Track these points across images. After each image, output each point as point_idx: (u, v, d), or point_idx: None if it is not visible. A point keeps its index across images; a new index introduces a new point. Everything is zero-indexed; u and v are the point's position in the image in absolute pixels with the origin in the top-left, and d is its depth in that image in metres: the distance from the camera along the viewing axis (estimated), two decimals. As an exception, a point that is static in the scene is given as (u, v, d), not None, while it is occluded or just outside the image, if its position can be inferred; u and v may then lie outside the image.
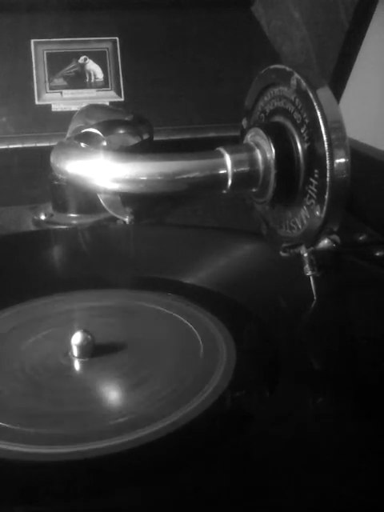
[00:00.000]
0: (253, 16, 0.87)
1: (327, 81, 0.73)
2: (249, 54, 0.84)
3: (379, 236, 0.61)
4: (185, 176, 0.44)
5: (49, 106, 0.80)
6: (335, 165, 0.41)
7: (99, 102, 0.80)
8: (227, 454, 0.33)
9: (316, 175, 0.43)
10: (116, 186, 0.45)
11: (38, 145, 0.77)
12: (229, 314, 0.47)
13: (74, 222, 0.67)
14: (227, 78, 0.82)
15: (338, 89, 0.76)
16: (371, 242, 0.58)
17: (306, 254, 0.46)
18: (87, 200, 0.66)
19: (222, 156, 0.45)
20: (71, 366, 0.41)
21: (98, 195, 0.61)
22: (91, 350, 0.42)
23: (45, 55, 0.81)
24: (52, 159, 0.50)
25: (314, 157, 0.43)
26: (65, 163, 0.48)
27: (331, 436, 0.33)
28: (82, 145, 0.52)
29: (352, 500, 0.28)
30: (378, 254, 0.55)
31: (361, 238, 0.59)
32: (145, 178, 0.44)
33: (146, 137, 0.67)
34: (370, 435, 0.33)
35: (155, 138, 0.71)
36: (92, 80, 0.82)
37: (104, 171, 0.45)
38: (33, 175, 0.72)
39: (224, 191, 0.46)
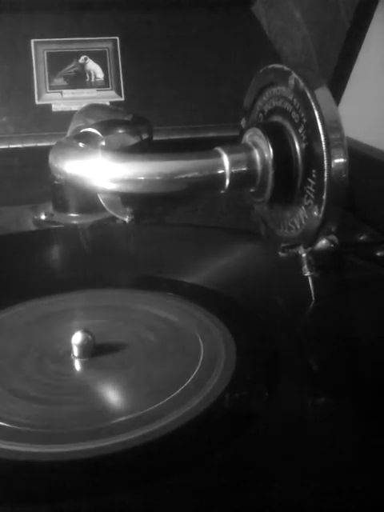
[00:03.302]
0: (253, 16, 0.87)
1: (328, 81, 0.73)
2: (249, 53, 0.83)
3: (379, 236, 0.61)
4: (183, 176, 0.44)
5: (49, 106, 0.80)
6: (333, 165, 0.41)
7: (99, 101, 0.80)
8: (227, 453, 0.33)
9: (314, 175, 0.43)
10: (114, 186, 0.45)
11: (38, 144, 0.77)
12: (228, 314, 0.47)
13: (75, 221, 0.67)
14: (227, 78, 0.82)
15: (338, 88, 0.76)
16: (372, 241, 0.58)
17: (304, 255, 0.46)
18: (87, 200, 0.66)
19: (219, 156, 0.45)
20: (71, 366, 0.41)
21: (98, 195, 0.61)
22: (91, 350, 0.42)
23: (45, 55, 0.81)
24: (50, 159, 0.50)
25: (312, 157, 0.43)
26: (63, 163, 0.48)
27: (330, 436, 0.33)
28: (81, 145, 0.52)
29: (352, 500, 0.28)
30: (378, 253, 0.55)
31: (361, 238, 0.59)
32: (143, 178, 0.44)
33: (145, 137, 0.67)
34: (370, 435, 0.33)
35: (155, 138, 0.71)
36: (92, 80, 0.82)
37: (102, 171, 0.45)
38: (33, 175, 0.72)
39: (222, 191, 0.46)
